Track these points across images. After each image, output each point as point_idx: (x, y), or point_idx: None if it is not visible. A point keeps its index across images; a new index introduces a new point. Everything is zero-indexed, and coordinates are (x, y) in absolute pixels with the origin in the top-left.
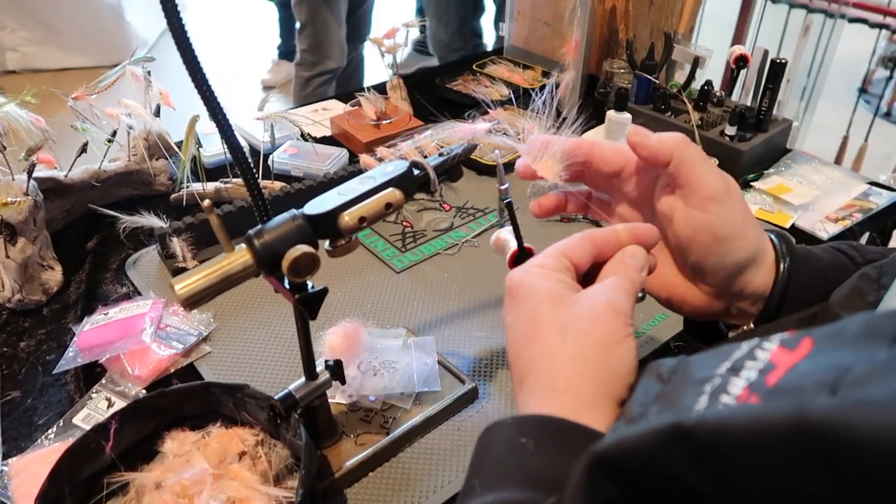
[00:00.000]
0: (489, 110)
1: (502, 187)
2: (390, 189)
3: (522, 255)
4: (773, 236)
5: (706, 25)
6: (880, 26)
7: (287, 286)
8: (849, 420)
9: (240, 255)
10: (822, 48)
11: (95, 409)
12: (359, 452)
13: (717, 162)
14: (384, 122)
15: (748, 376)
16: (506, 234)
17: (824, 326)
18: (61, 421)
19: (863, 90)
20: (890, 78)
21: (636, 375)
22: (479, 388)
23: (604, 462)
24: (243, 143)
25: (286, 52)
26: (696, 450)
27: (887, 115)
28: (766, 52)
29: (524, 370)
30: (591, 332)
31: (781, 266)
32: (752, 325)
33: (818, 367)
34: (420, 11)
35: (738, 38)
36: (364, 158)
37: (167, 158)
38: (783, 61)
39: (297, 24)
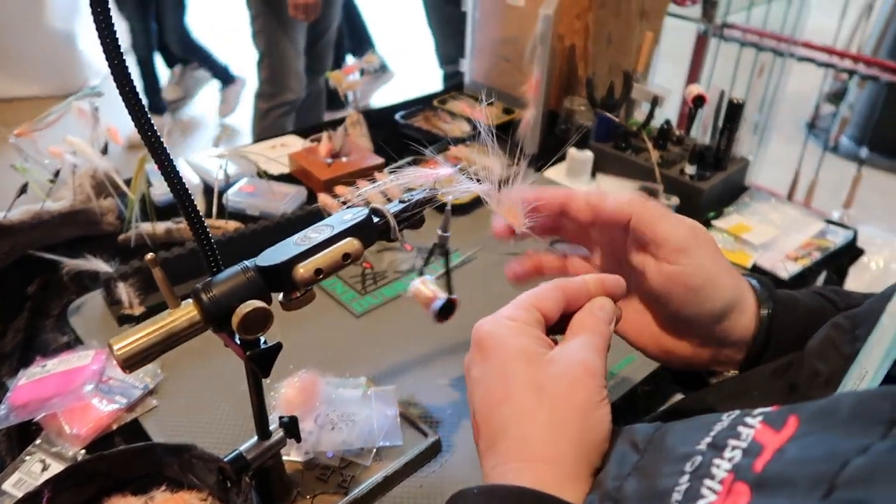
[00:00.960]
0: (449, 147)
1: (445, 234)
2: (348, 238)
3: (448, 304)
4: (753, 281)
5: (660, 63)
6: (826, 65)
7: (238, 342)
8: None
9: (186, 312)
10: (772, 85)
11: (28, 474)
12: None
13: (679, 202)
14: (341, 159)
15: (731, 457)
16: (418, 285)
17: (810, 403)
18: None
19: (811, 125)
20: (835, 114)
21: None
22: (441, 440)
23: None
24: (197, 180)
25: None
26: None
27: (834, 149)
28: (722, 93)
29: (494, 434)
30: (570, 396)
31: (763, 312)
32: (735, 372)
33: (810, 455)
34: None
35: (693, 76)
36: (322, 198)
37: (115, 197)
38: (740, 102)
39: (257, 55)
